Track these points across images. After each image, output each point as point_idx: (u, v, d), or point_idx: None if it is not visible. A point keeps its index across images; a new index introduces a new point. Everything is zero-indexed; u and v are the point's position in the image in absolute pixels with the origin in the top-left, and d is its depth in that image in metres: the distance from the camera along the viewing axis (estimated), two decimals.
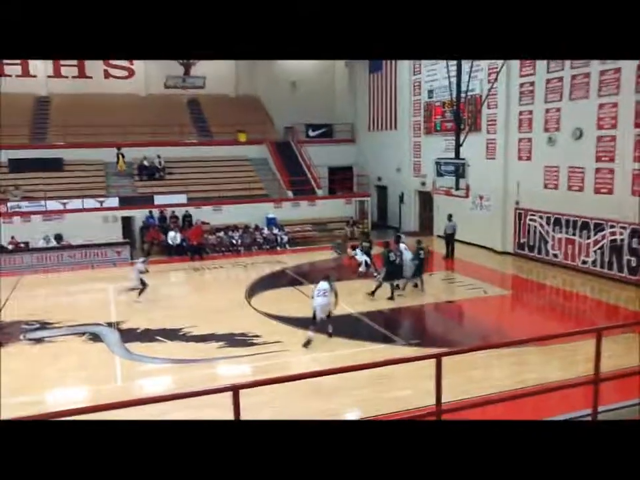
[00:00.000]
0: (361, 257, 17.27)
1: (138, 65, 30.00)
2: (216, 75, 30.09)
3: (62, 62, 28.77)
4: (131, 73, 30.18)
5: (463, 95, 17.51)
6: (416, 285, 15.37)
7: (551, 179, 17.94)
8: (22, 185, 22.49)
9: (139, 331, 12.63)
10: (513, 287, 16.94)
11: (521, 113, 19.05)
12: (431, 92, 23.57)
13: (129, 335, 12.32)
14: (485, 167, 20.07)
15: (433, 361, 5.00)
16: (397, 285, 15.14)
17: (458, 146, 16.89)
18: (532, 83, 18.42)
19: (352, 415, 8.66)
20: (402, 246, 15.59)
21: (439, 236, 22.66)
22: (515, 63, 18.88)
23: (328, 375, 5.34)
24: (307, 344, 11.32)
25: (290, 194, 25.48)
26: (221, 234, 22.15)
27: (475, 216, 21.14)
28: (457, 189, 16.87)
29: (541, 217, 18.40)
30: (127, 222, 22.42)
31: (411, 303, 14.55)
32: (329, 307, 11.67)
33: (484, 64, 20.18)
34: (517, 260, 19.23)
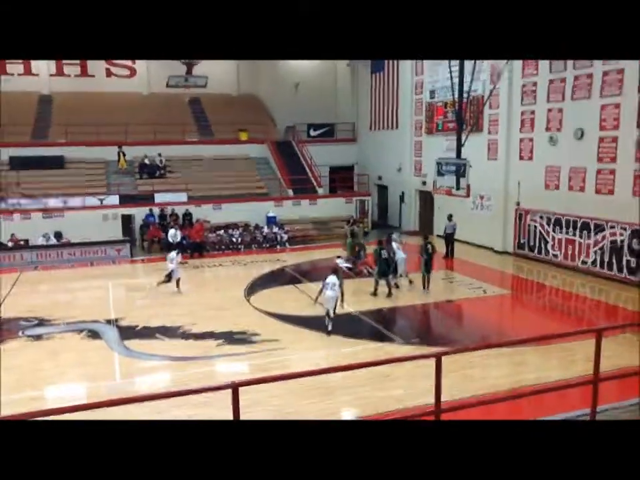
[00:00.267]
0: (342, 264, 17.20)
1: (140, 64, 30.00)
2: (218, 74, 30.11)
3: (64, 61, 28.78)
4: (133, 71, 30.19)
5: (465, 94, 17.47)
6: (411, 282, 15.48)
7: (552, 179, 17.90)
8: (23, 183, 22.50)
9: (137, 328, 12.62)
10: (513, 286, 16.92)
11: (522, 113, 19.01)
12: (432, 92, 23.54)
13: (127, 332, 12.31)
14: (486, 167, 20.05)
15: (432, 359, 4.99)
16: (396, 284, 15.18)
17: (459, 146, 16.84)
18: (534, 83, 18.38)
19: (350, 413, 8.65)
20: (394, 245, 15.62)
21: (439, 235, 22.61)
22: (518, 63, 18.85)
23: (327, 373, 5.35)
24: (329, 333, 11.84)
25: (290, 193, 25.47)
26: (221, 232, 22.14)
27: (475, 216, 21.12)
28: (458, 188, 16.83)
29: (541, 217, 18.37)
30: (127, 220, 22.42)
31: (410, 302, 14.53)
32: (337, 301, 12.01)
33: (486, 64, 20.15)
34: (517, 260, 19.21)
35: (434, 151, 22.34)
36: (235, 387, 4.22)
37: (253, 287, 16.13)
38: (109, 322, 13.07)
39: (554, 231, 17.87)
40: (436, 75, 23.05)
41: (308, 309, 13.83)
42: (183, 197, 23.58)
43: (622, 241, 15.51)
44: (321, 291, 12.43)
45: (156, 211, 22.76)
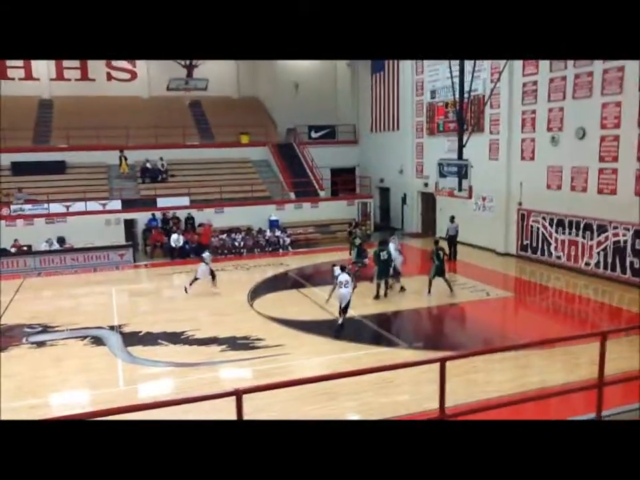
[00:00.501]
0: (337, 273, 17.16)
1: (140, 67, 30.07)
2: (218, 77, 30.13)
3: (64, 65, 28.88)
4: (134, 75, 30.26)
5: (465, 95, 17.44)
6: (402, 288, 15.41)
7: (554, 179, 17.87)
8: (25, 188, 22.53)
9: (141, 334, 12.62)
10: (516, 289, 16.87)
11: (524, 113, 18.99)
12: (433, 92, 23.52)
13: (131, 339, 12.30)
14: (488, 167, 20.01)
15: (436, 364, 4.97)
16: (391, 286, 15.11)
17: (461, 147, 16.81)
18: (535, 83, 18.35)
19: (353, 418, 8.62)
20: (391, 246, 15.62)
21: (441, 237, 22.58)
22: (518, 62, 18.82)
23: (330, 379, 5.32)
24: (339, 328, 12.32)
25: (292, 196, 25.46)
26: (224, 236, 22.15)
27: (477, 217, 21.08)
28: (460, 190, 16.79)
29: (544, 218, 18.33)
30: (129, 224, 22.45)
31: (413, 306, 14.50)
32: (349, 298, 12.36)
33: (486, 64, 20.13)
34: (520, 261, 19.16)
35: (435, 152, 22.31)
36: (238, 394, 4.21)
37: (256, 292, 16.12)
38: (112, 328, 13.06)
39: (556, 232, 17.83)
40: (436, 75, 23.04)
41: (311, 314, 13.83)
42: (185, 200, 23.58)
43: (625, 242, 15.47)
44: (333, 289, 12.80)
45: (158, 215, 22.78)
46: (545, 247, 18.37)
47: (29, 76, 28.39)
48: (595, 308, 14.49)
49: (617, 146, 15.66)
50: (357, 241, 18.17)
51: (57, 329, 13.18)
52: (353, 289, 12.66)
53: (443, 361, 4.99)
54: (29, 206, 21.71)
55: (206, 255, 16.36)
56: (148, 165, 25.02)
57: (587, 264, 16.75)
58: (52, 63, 28.63)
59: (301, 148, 28.20)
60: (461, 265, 18.89)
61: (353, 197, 26.61)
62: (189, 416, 7.98)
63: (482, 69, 20.05)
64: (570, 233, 17.30)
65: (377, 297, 14.69)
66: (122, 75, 30.03)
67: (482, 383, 9.30)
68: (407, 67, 25.07)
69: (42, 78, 28.54)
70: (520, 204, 19.33)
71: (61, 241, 20.99)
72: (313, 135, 29.74)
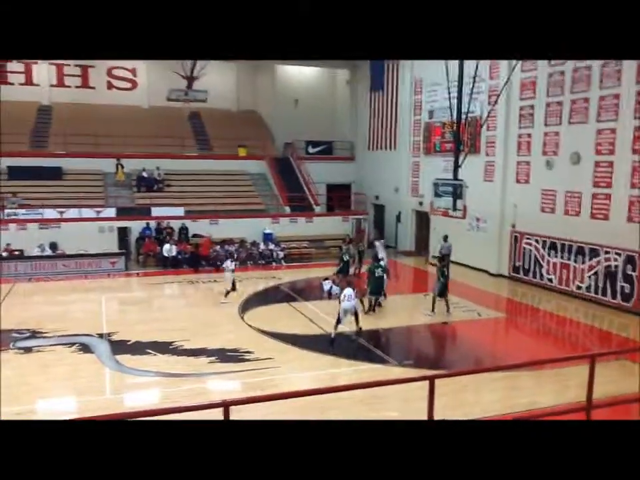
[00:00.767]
0: (327, 286, 17.23)
1: (141, 76, 30.21)
2: (218, 89, 30.32)
3: (65, 71, 28.97)
4: (134, 84, 30.39)
5: (463, 116, 17.60)
6: (380, 305, 15.34)
7: (548, 202, 17.99)
8: (20, 193, 22.46)
9: (129, 342, 12.53)
10: (507, 310, 16.90)
11: (520, 136, 19.16)
12: (431, 112, 23.71)
13: (119, 347, 12.21)
14: (482, 188, 20.14)
15: (425, 382, 4.96)
16: (379, 303, 15.17)
17: (456, 167, 16.92)
18: (532, 107, 18.55)
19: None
20: (378, 246, 15.67)
21: (434, 256, 22.64)
22: (516, 86, 19.01)
23: (319, 394, 5.30)
24: (332, 342, 12.38)
25: (287, 210, 25.50)
26: (217, 248, 22.09)
27: (471, 237, 21.16)
28: (455, 209, 16.89)
29: (536, 241, 18.42)
30: (123, 233, 22.38)
31: (404, 323, 14.48)
32: (353, 311, 12.57)
33: (484, 86, 20.33)
34: (512, 283, 19.21)
35: (431, 171, 22.45)
36: (225, 406, 4.19)
37: (248, 304, 16.06)
38: (101, 336, 12.97)
39: (549, 254, 17.91)
40: (434, 95, 23.24)
41: (302, 328, 13.78)
42: (180, 211, 23.55)
43: (616, 267, 15.55)
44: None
45: (152, 224, 22.74)
46: (537, 270, 18.43)
47: (29, 81, 28.45)
48: (585, 331, 14.52)
49: (610, 172, 15.80)
50: (346, 257, 18.09)
51: (45, 335, 13.07)
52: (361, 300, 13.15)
53: (432, 379, 4.99)
54: (22, 210, 21.62)
55: (226, 264, 16.75)
56: (144, 174, 25.03)
57: (579, 287, 16.81)
58: (52, 69, 28.74)
59: (297, 163, 28.30)
60: (453, 285, 18.75)
61: (347, 213, 26.67)
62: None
63: (480, 91, 20.25)
64: (562, 256, 17.38)
65: (368, 311, 14.69)
66: (122, 84, 30.15)
67: (471, 403, 9.28)
68: (405, 86, 25.30)
69: (42, 84, 28.61)
70: (513, 226, 19.44)
71: (54, 246, 20.90)
72: (310, 150, 29.86)
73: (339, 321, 12.53)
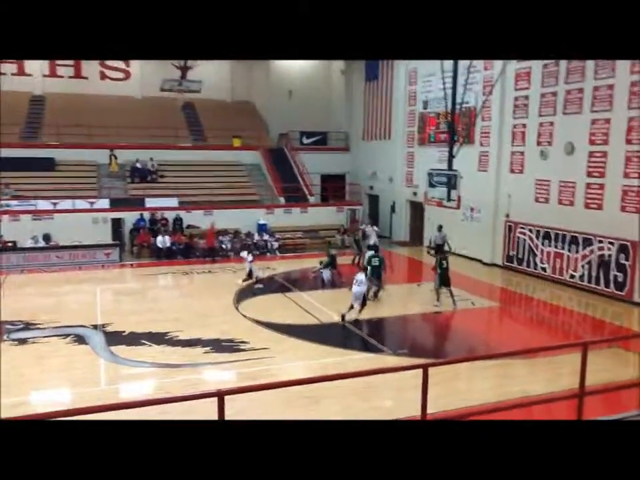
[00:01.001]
0: (326, 275, 17.23)
1: (134, 67, 30.00)
2: (212, 79, 30.14)
3: (58, 62, 28.71)
4: (127, 75, 30.18)
5: (457, 106, 17.59)
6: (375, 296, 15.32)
7: (542, 192, 18.03)
8: (13, 184, 22.34)
9: (124, 333, 12.53)
10: (501, 299, 16.97)
11: (514, 126, 19.16)
12: (425, 103, 23.67)
13: (114, 338, 12.21)
14: (477, 179, 20.16)
15: (419, 371, 4.99)
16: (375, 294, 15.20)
17: (451, 157, 16.95)
18: (526, 97, 18.53)
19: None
20: (367, 229, 15.68)
21: (428, 247, 22.70)
22: (510, 76, 19.00)
23: (313, 382, 5.32)
24: (343, 318, 13.16)
25: (282, 200, 25.47)
26: (202, 241, 22.05)
27: (465, 227, 21.20)
28: (449, 200, 16.92)
29: (530, 230, 18.48)
30: (117, 224, 22.32)
31: (399, 313, 14.54)
32: (362, 295, 13.13)
33: (479, 76, 20.31)
34: (506, 272, 19.29)
35: (425, 161, 22.45)
36: (220, 395, 4.20)
37: (243, 295, 16.07)
38: (95, 327, 12.96)
39: (543, 244, 17.98)
40: (429, 86, 23.19)
41: (297, 318, 13.82)
42: (174, 202, 23.49)
43: (609, 256, 15.63)
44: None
45: (146, 215, 22.68)
46: (531, 259, 18.51)
47: (21, 71, 28.20)
48: (578, 320, 14.62)
49: (604, 162, 15.84)
50: (332, 252, 17.73)
51: (39, 326, 13.06)
52: (368, 288, 13.57)
53: (425, 367, 5.02)
54: (15, 202, 21.51)
55: (243, 254, 17.62)
56: (138, 165, 24.93)
57: (572, 276, 16.90)
58: (48, 60, 28.50)
59: (292, 153, 28.24)
60: None
61: (342, 204, 26.67)
62: (168, 417, 7.94)
63: (474, 82, 20.22)
64: (556, 246, 17.45)
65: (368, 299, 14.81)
66: (115, 74, 29.93)
67: (464, 391, 9.35)
68: (400, 76, 25.22)
69: (35, 74, 28.36)
70: (507, 216, 19.48)
71: (47, 238, 20.82)
72: (305, 140, 29.78)
73: (352, 306, 13.15)
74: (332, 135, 30.32)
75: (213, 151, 26.93)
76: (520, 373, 10.22)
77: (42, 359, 11.01)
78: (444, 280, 14.93)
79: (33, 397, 9.52)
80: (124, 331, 12.67)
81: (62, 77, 28.90)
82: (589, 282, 16.29)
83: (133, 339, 12.20)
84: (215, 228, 21.89)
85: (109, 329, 12.85)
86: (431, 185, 17.71)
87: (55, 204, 21.73)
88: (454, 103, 16.98)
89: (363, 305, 13.19)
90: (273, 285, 17.60)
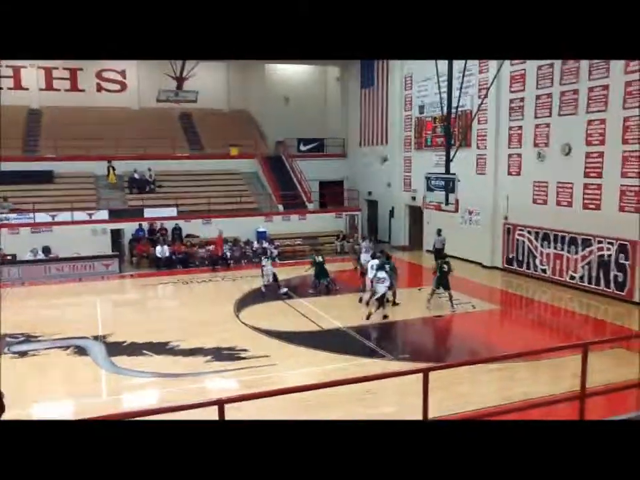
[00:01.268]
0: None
1: (130, 78, 30.07)
2: (208, 89, 30.24)
3: (54, 75, 28.79)
4: (124, 86, 30.24)
5: (453, 110, 17.63)
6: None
7: (540, 194, 18.05)
8: (11, 197, 22.36)
9: (125, 344, 12.51)
10: (502, 301, 16.96)
11: (510, 129, 19.21)
12: (421, 107, 23.73)
13: (115, 349, 12.19)
14: (474, 182, 20.19)
15: (421, 375, 4.98)
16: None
17: (448, 161, 16.96)
18: (522, 99, 18.59)
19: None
20: (363, 245, 15.68)
21: (428, 250, 22.72)
22: (505, 79, 19.06)
23: (314, 389, 5.32)
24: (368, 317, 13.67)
25: (280, 208, 25.49)
26: (211, 247, 22.07)
27: (464, 230, 21.21)
28: (447, 203, 16.91)
29: (529, 232, 18.48)
30: (116, 235, 22.32)
31: (399, 317, 14.51)
32: (385, 292, 13.84)
33: (474, 79, 20.38)
34: (506, 275, 19.28)
35: (423, 166, 22.48)
36: (220, 404, 4.19)
37: (243, 303, 16.06)
38: (96, 338, 12.94)
39: (542, 245, 17.98)
40: (425, 90, 23.27)
41: (297, 325, 13.80)
42: (172, 211, 23.52)
43: (609, 256, 15.63)
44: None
45: (145, 225, 22.69)
46: (531, 261, 18.50)
47: (18, 85, 28.28)
48: (579, 321, 14.59)
49: (601, 162, 15.87)
50: (319, 259, 17.45)
51: (39, 338, 13.04)
52: (390, 286, 14.08)
53: (426, 372, 5.01)
54: (14, 215, 21.52)
55: (264, 261, 17.64)
56: (136, 176, 24.96)
57: (572, 277, 16.89)
58: (41, 72, 28.56)
59: (289, 161, 28.29)
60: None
61: (341, 210, 26.68)
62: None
63: (470, 85, 20.30)
64: (555, 247, 17.45)
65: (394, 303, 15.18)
66: (112, 85, 30.01)
67: (466, 395, 9.31)
68: (395, 82, 25.30)
69: (31, 87, 28.43)
70: (506, 218, 19.49)
71: (46, 250, 20.81)
72: (302, 148, 29.84)
73: (372, 297, 13.93)
74: (329, 142, 30.38)
75: (210, 160, 26.97)
76: (522, 375, 10.20)
77: (43, 371, 10.99)
78: (443, 283, 14.92)
79: (34, 409, 9.49)
80: (125, 341, 12.65)
81: (58, 89, 28.95)
82: (589, 283, 16.28)
83: (134, 349, 12.18)
84: (221, 237, 21.88)
85: (110, 339, 12.83)
86: (429, 189, 17.71)
87: (53, 216, 21.75)
88: (450, 107, 17.01)
89: (382, 302, 13.77)
90: (273, 293, 17.56)
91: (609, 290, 15.67)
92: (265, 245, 22.97)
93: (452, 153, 16.98)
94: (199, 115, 30.14)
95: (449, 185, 16.44)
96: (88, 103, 28.63)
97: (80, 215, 22.08)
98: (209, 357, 11.57)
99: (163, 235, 22.40)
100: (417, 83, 23.91)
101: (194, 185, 25.50)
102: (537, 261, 18.23)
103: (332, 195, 28.69)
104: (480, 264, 20.52)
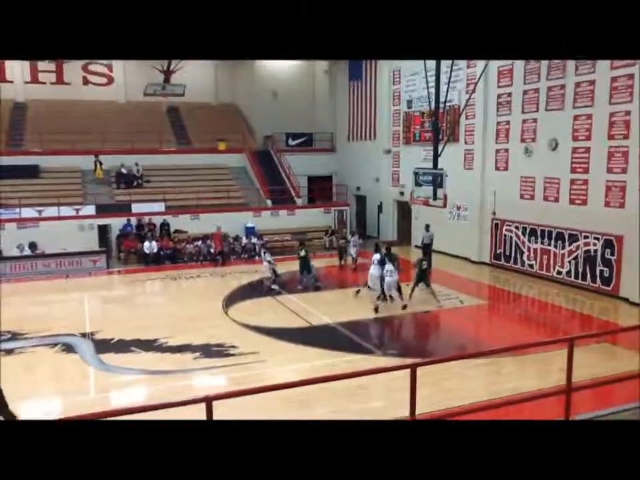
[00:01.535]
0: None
1: (117, 71, 29.78)
2: (196, 83, 30.04)
3: (40, 67, 28.46)
4: (110, 79, 29.95)
5: (441, 105, 17.66)
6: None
7: (527, 189, 18.16)
8: None
9: (113, 341, 12.45)
10: (489, 296, 17.07)
11: (498, 124, 19.28)
12: (410, 102, 23.75)
13: (103, 346, 12.13)
14: (462, 177, 20.27)
15: (409, 371, 5.00)
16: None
17: (436, 156, 17.00)
18: (509, 94, 18.66)
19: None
20: (351, 240, 15.82)
21: (416, 246, 22.78)
22: (493, 74, 19.12)
23: (302, 385, 5.32)
24: (376, 309, 14.14)
25: (269, 203, 25.44)
26: (199, 243, 22.00)
27: (452, 226, 21.30)
28: (435, 198, 16.96)
29: (517, 227, 18.60)
30: (103, 230, 22.16)
31: (388, 313, 14.55)
32: (396, 284, 14.27)
33: (462, 74, 20.43)
34: (494, 270, 19.39)
35: (411, 161, 22.51)
36: (208, 401, 4.19)
37: (231, 299, 16.03)
38: (84, 335, 12.86)
39: (529, 241, 18.10)
40: (413, 85, 23.28)
41: (286, 321, 13.80)
42: (160, 206, 23.39)
43: (595, 251, 15.77)
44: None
45: (133, 221, 22.55)
46: (518, 256, 18.63)
47: (2, 78, 27.88)
48: (566, 316, 14.72)
49: (587, 158, 15.98)
50: (302, 253, 17.53)
51: (26, 335, 12.93)
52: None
53: (413, 367, 5.03)
54: None
55: (264, 255, 17.72)
56: (123, 170, 24.77)
57: (559, 272, 17.03)
58: (27, 65, 28.18)
59: (278, 155, 28.22)
60: (435, 273, 18.94)
61: (329, 205, 26.67)
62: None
63: (458, 80, 20.33)
64: (542, 242, 17.57)
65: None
66: (98, 79, 29.71)
67: (454, 390, 9.38)
68: (384, 76, 25.28)
69: (16, 80, 28.05)
70: (494, 213, 19.59)
71: (33, 246, 20.62)
72: (290, 142, 29.78)
73: (385, 297, 14.32)
74: (317, 136, 30.33)
75: (198, 155, 26.83)
76: (510, 370, 10.29)
77: (30, 369, 10.92)
78: (423, 279, 15.03)
79: (21, 407, 9.41)
80: (112, 338, 12.59)
81: (44, 83, 28.62)
82: (576, 278, 16.43)
83: (122, 346, 12.12)
84: (220, 233, 21.80)
85: (98, 336, 12.76)
86: (417, 184, 17.74)
87: (40, 211, 21.55)
88: (437, 102, 17.04)
89: (399, 290, 14.34)
90: (262, 289, 17.55)
91: (595, 285, 15.82)
92: (254, 240, 22.91)
93: (440, 148, 17.02)
94: (187, 108, 29.96)
95: (437, 180, 16.48)
96: (74, 97, 28.33)
97: (66, 210, 21.88)
98: (197, 354, 11.55)
99: (151, 231, 22.27)
100: (405, 77, 23.91)
101: (182, 180, 25.38)
102: (524, 256, 18.35)
103: (320, 190, 28.67)
104: (468, 259, 20.62)
